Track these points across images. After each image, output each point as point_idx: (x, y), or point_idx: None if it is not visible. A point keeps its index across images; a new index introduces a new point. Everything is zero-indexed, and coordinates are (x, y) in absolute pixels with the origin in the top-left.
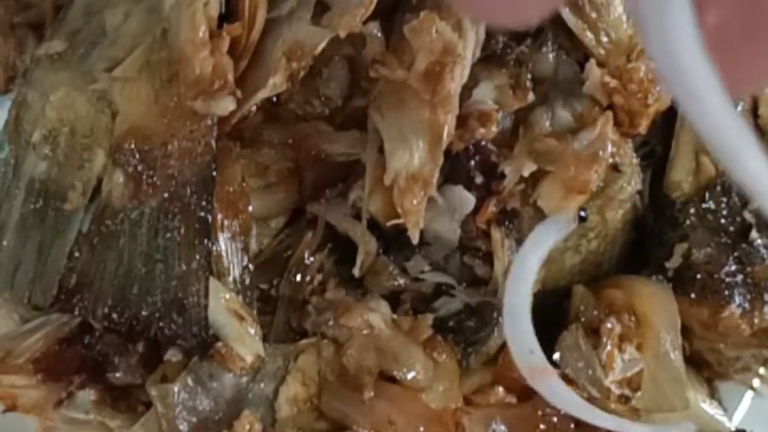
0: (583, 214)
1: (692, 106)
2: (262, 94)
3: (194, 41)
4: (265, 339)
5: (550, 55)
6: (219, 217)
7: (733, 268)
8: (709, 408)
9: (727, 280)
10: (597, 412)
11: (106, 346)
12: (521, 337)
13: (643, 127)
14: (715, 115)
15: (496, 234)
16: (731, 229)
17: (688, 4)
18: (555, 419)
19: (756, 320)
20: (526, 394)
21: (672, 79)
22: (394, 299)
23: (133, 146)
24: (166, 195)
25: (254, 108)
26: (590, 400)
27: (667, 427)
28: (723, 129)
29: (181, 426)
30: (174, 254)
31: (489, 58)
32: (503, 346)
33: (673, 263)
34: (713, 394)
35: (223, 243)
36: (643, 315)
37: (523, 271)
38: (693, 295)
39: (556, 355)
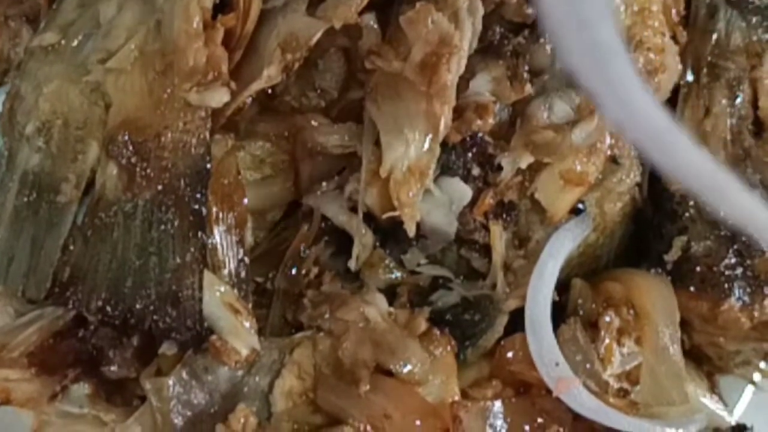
0: (581, 206)
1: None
2: (256, 86)
3: (188, 32)
4: (260, 332)
5: (548, 47)
6: (214, 209)
7: (733, 261)
8: (710, 402)
9: (727, 273)
10: (619, 417)
11: (101, 339)
12: (546, 350)
13: None
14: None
15: (495, 227)
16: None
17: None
18: (553, 412)
19: (756, 313)
20: (523, 387)
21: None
22: (390, 292)
23: (126, 138)
24: (160, 187)
25: (249, 100)
26: None
27: (683, 423)
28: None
29: (176, 420)
30: (168, 247)
31: (486, 50)
32: (500, 340)
33: (672, 256)
34: (713, 389)
35: (219, 236)
36: (641, 308)
37: (542, 283)
38: (692, 289)
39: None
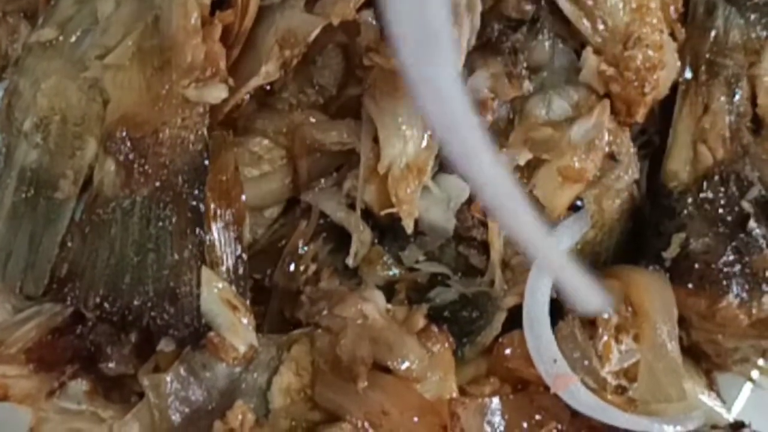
0: (579, 203)
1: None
2: (254, 82)
3: (186, 28)
4: (258, 329)
5: (546, 43)
6: (212, 206)
7: (731, 258)
8: (708, 399)
9: (725, 270)
10: (617, 414)
11: (99, 336)
12: (544, 347)
13: (640, 115)
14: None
15: (493, 224)
16: (729, 218)
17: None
18: (551, 409)
19: (754, 311)
20: (521, 384)
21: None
22: (388, 289)
23: (124, 134)
24: (157, 184)
25: (247, 96)
26: None
27: (680, 420)
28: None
29: (174, 416)
30: (166, 243)
31: (484, 47)
32: (498, 337)
33: (671, 253)
34: (712, 386)
35: (217, 232)
36: (640, 306)
37: (540, 281)
38: (690, 286)
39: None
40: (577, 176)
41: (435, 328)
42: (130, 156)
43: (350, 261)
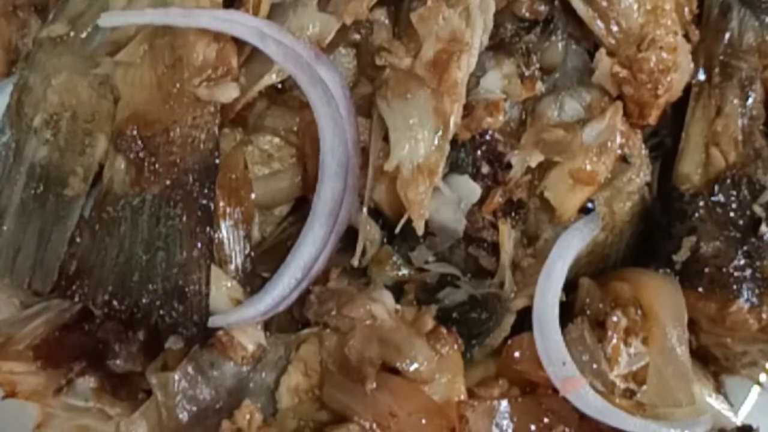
0: (590, 205)
1: None
2: (266, 81)
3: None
4: (266, 328)
5: (560, 44)
6: (221, 204)
7: (742, 262)
8: (715, 402)
9: (736, 274)
10: (625, 418)
11: (107, 333)
12: (553, 350)
13: (652, 118)
14: None
15: (503, 225)
16: (740, 222)
17: None
18: (559, 412)
19: (764, 315)
20: (530, 386)
21: None
22: (397, 289)
23: (135, 132)
24: (168, 182)
25: (258, 94)
26: None
27: (688, 424)
28: None
29: (181, 415)
30: (175, 242)
31: (497, 47)
32: (507, 339)
33: (681, 256)
34: (719, 389)
35: (225, 231)
36: (649, 308)
37: (550, 283)
38: (701, 289)
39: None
40: (588, 178)
41: (444, 330)
42: (141, 154)
43: (355, 260)
